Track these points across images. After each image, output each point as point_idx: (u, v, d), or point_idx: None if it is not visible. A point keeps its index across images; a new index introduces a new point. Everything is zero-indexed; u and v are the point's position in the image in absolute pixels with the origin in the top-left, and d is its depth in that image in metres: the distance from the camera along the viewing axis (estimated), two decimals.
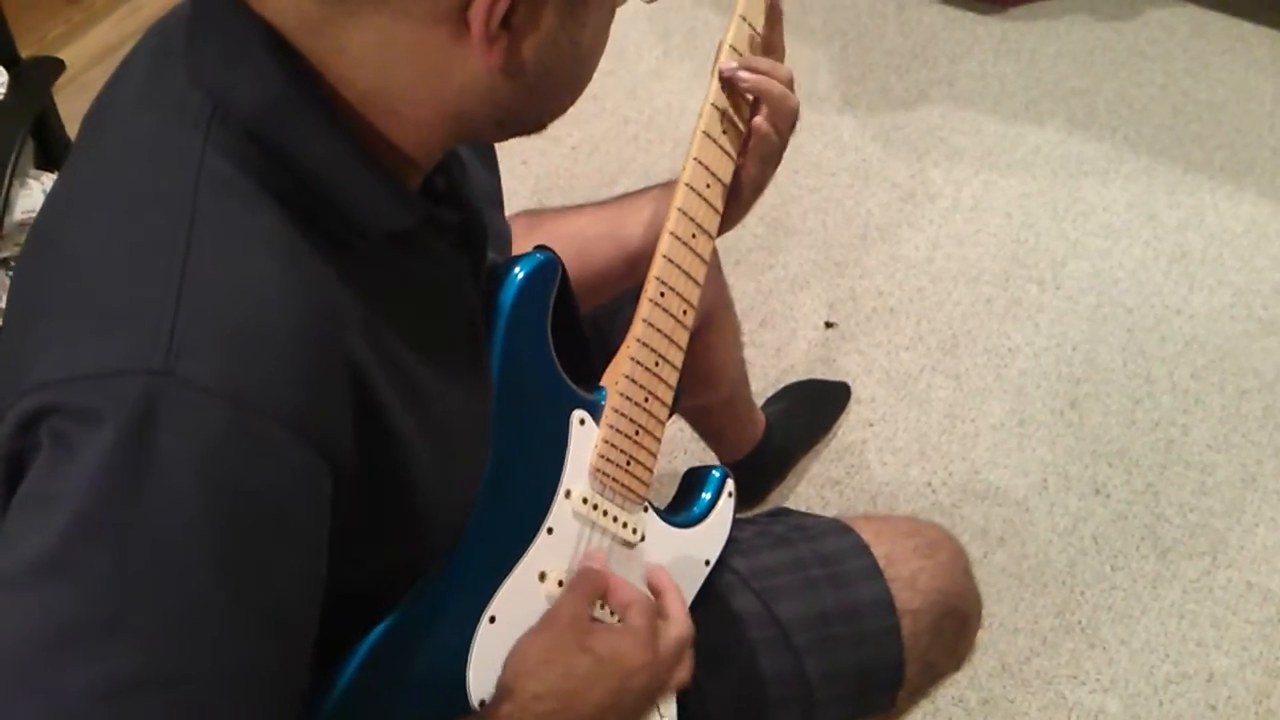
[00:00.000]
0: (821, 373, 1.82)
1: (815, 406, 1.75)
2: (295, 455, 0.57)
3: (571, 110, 0.72)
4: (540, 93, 0.66)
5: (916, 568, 0.94)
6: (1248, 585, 1.59)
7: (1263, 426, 1.74)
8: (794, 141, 0.95)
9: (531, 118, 0.69)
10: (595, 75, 0.71)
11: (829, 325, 1.89)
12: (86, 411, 0.54)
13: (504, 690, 0.72)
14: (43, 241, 0.65)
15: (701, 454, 1.63)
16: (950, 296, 1.92)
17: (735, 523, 0.96)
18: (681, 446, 1.68)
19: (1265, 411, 1.76)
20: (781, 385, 1.79)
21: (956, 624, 0.97)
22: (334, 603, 0.65)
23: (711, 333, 1.35)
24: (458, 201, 0.74)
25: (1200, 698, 1.49)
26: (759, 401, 1.70)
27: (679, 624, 0.79)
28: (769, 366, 1.84)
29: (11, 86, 1.35)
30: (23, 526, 0.55)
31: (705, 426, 1.55)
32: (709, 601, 0.91)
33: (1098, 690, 1.51)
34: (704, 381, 1.40)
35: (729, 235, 0.93)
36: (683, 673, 0.79)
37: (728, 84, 0.89)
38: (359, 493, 0.62)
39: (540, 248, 0.82)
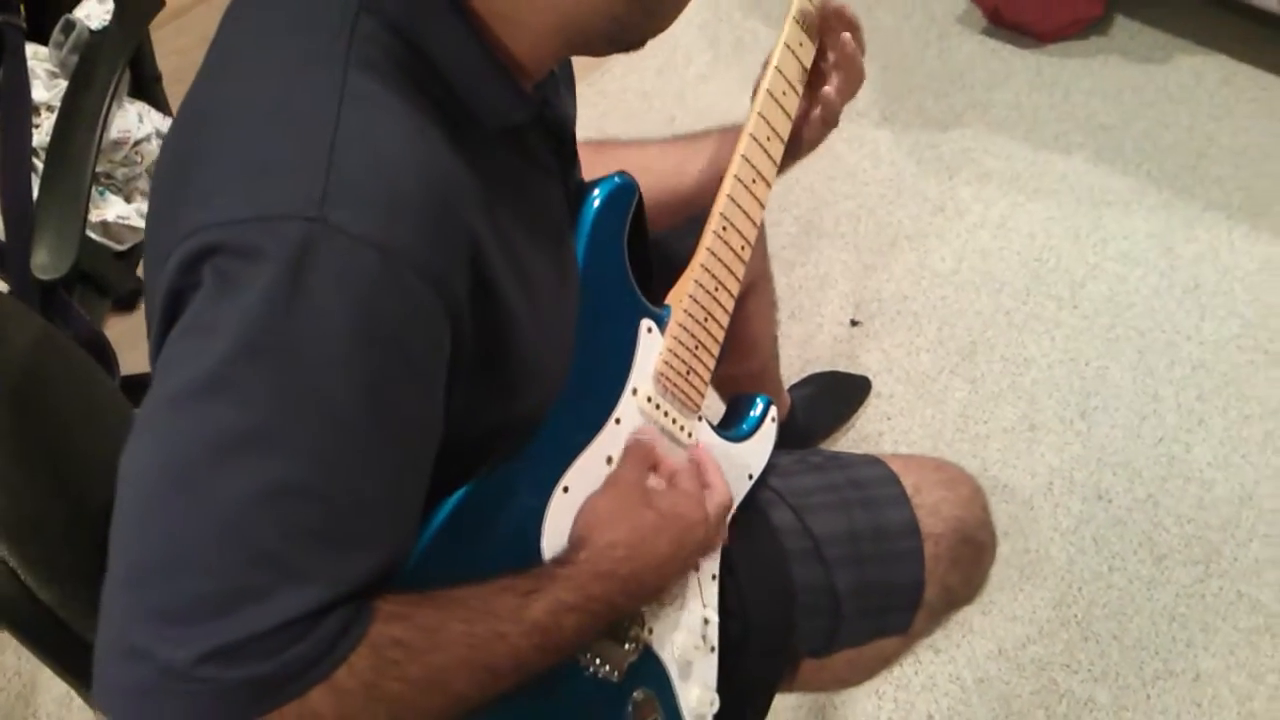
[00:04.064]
0: (845, 366, 1.90)
1: (837, 395, 1.83)
2: (427, 302, 0.64)
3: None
4: (650, 9, 0.75)
5: (940, 497, 1.02)
6: (1238, 594, 1.66)
7: (1262, 451, 1.82)
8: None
9: (637, 34, 0.77)
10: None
11: (854, 323, 1.97)
12: (250, 249, 0.61)
13: (578, 540, 0.79)
14: (196, 112, 0.72)
15: None
16: (971, 306, 2.01)
17: (774, 450, 1.04)
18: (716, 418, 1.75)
19: (1266, 436, 1.83)
20: (806, 375, 1.87)
21: (974, 552, 1.04)
22: (436, 459, 0.72)
23: (751, 301, 1.43)
24: (555, 114, 0.83)
25: (1186, 695, 1.56)
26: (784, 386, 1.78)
27: (720, 492, 0.87)
28: (794, 357, 1.92)
29: (116, 16, 1.44)
30: (184, 352, 0.62)
31: (733, 395, 1.62)
32: (749, 512, 0.99)
33: (1088, 680, 1.58)
34: (741, 349, 1.47)
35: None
36: (721, 536, 0.87)
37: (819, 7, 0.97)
38: (469, 347, 0.70)
39: (620, 173, 0.90)
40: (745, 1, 2.53)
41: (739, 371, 1.55)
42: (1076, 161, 2.25)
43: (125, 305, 1.83)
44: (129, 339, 1.66)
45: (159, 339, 0.66)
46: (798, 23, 0.99)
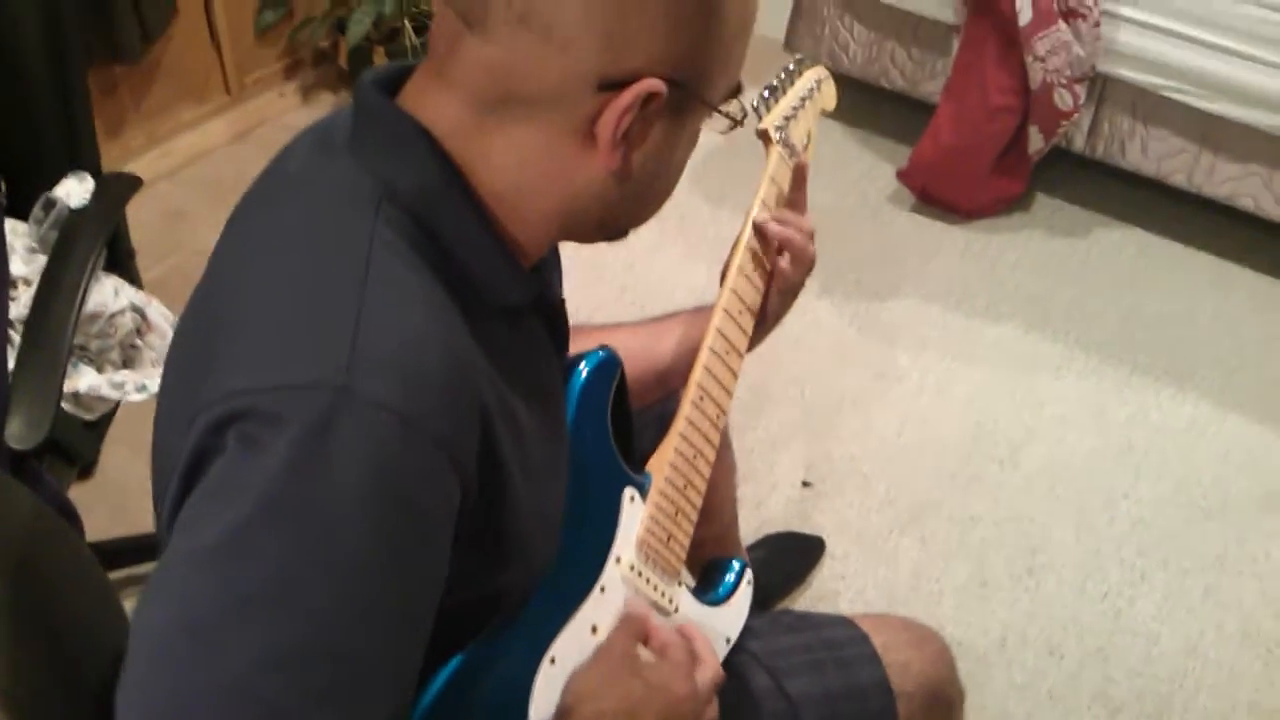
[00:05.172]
0: (798, 527, 1.94)
1: (792, 556, 1.86)
2: (441, 469, 0.68)
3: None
4: (639, 198, 0.81)
5: (909, 656, 1.05)
6: None
7: (1203, 603, 1.88)
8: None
9: (625, 221, 0.84)
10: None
11: (805, 484, 2.03)
12: (275, 416, 0.64)
13: (566, 709, 0.81)
14: (217, 286, 0.76)
15: None
16: (917, 467, 2.07)
17: (749, 611, 1.07)
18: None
19: (1205, 590, 1.90)
20: (761, 536, 1.91)
21: (944, 709, 1.07)
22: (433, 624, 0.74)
23: (714, 466, 1.47)
24: (551, 295, 0.88)
25: None
26: None
27: (710, 667, 0.89)
28: (749, 518, 1.95)
29: (96, 195, 1.49)
30: (205, 513, 0.65)
31: (696, 559, 1.65)
32: (727, 678, 1.01)
33: None
34: (703, 512, 1.51)
35: None
36: (712, 711, 0.89)
37: (759, 231, 1.05)
38: (470, 513, 0.73)
39: (603, 347, 0.95)
40: (688, 180, 2.63)
41: (702, 535, 1.56)
42: (1007, 329, 2.36)
43: (83, 473, 1.83)
44: (86, 505, 1.66)
45: (177, 500, 0.68)
46: (765, 204, 1.07)
